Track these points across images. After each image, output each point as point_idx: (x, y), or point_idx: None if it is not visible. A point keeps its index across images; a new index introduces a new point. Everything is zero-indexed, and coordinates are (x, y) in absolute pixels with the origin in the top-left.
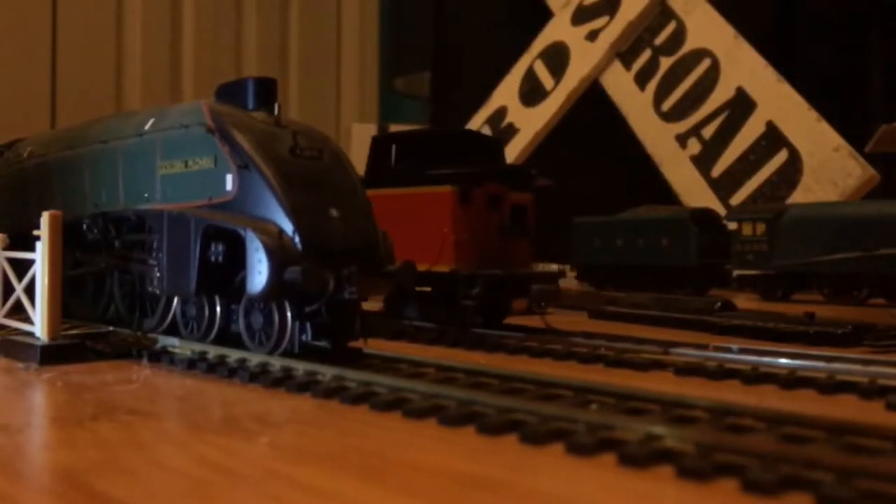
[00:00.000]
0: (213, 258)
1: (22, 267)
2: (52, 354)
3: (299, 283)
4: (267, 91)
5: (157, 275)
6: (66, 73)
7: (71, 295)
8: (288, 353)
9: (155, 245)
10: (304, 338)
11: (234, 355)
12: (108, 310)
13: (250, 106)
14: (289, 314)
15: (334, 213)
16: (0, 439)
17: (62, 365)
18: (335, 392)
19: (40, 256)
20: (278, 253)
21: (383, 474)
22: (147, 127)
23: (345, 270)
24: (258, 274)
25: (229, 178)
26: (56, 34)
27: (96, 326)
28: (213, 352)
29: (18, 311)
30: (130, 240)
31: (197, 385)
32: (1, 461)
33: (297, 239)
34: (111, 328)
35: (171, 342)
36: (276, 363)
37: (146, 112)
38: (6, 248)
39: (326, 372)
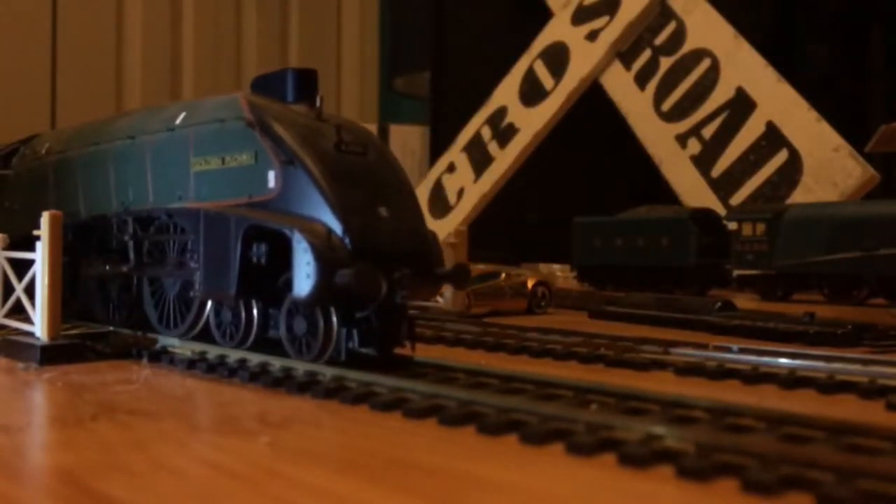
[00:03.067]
0: (254, 260)
1: (25, 267)
2: (52, 354)
3: (351, 286)
4: (307, 82)
5: (193, 278)
6: (66, 73)
7: (95, 298)
8: (333, 362)
9: (190, 246)
10: (350, 345)
11: (234, 355)
12: (134, 314)
13: (289, 98)
14: (335, 320)
15: (383, 212)
16: (0, 439)
17: (62, 365)
18: (335, 392)
19: (40, 256)
20: (327, 255)
21: (383, 474)
22: (178, 121)
23: (396, 273)
24: (305, 277)
25: (271, 175)
26: (56, 34)
27: (96, 326)
28: (213, 352)
29: (19, 312)
30: (161, 240)
31: (197, 385)
32: (1, 461)
33: (346, 240)
34: (111, 328)
35: (172, 342)
36: (276, 363)
37: (176, 106)
38: (6, 248)
39: (326, 372)
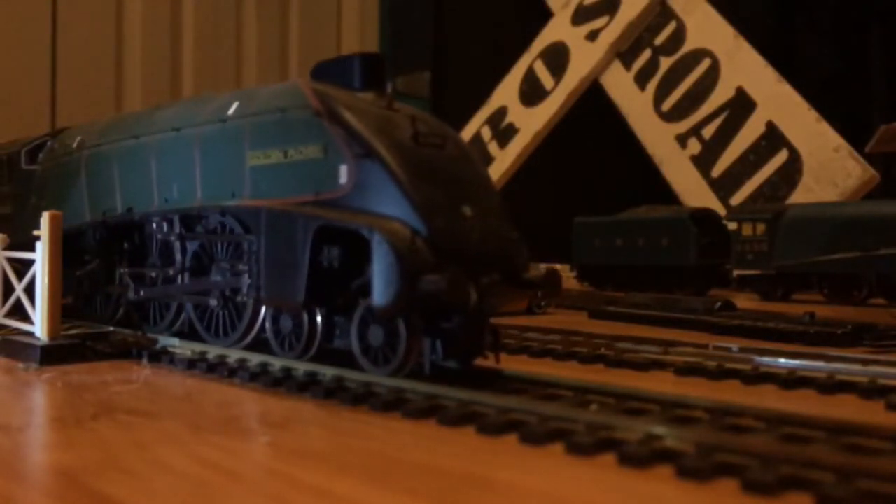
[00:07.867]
0: (325, 264)
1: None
2: (52, 354)
3: (442, 294)
4: (375, 69)
5: (251, 283)
6: (66, 73)
7: (134, 303)
8: (415, 376)
9: (247, 247)
10: (433, 357)
11: (234, 355)
12: (178, 321)
13: (357, 85)
14: (419, 330)
15: (468, 211)
16: (0, 439)
17: (62, 365)
18: (335, 392)
19: (40, 256)
20: (412, 259)
21: (383, 474)
22: (231, 112)
23: (484, 279)
24: (387, 283)
25: (343, 170)
26: (56, 34)
27: (96, 326)
28: (213, 352)
29: (19, 312)
30: (211, 241)
31: (197, 385)
32: (1, 461)
33: (431, 242)
34: (111, 328)
35: (172, 342)
36: (277, 363)
37: (227, 95)
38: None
39: (326, 372)
